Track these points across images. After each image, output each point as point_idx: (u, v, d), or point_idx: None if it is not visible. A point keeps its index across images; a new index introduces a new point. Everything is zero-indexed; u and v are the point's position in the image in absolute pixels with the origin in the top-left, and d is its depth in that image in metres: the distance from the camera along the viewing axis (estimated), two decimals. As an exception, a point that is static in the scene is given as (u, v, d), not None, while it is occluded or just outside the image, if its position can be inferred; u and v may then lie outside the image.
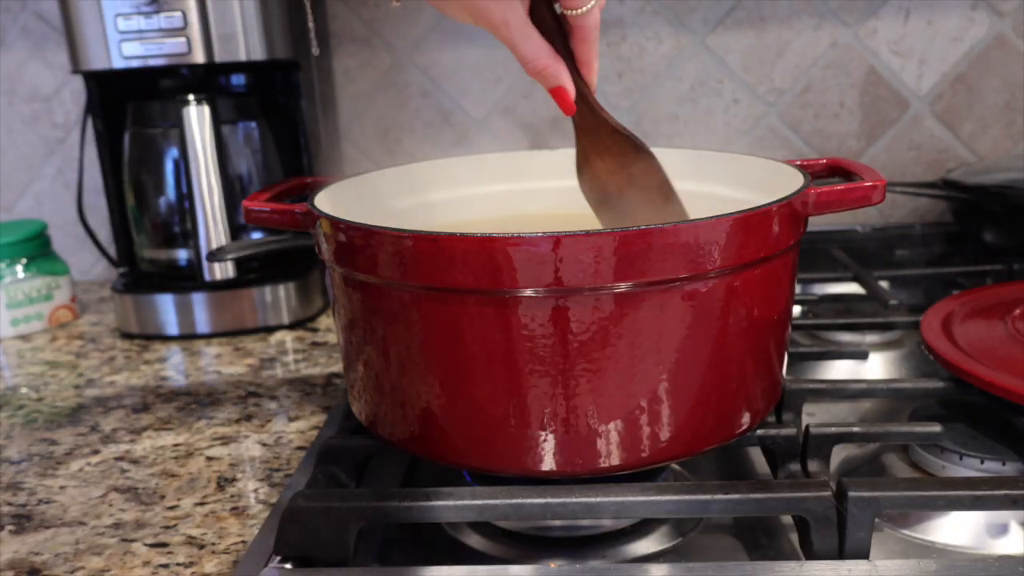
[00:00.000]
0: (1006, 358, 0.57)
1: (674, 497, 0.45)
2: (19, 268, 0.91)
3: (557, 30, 0.52)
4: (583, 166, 0.57)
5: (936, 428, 0.52)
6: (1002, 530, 0.49)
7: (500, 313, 0.45)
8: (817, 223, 0.70)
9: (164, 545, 0.51)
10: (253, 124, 0.88)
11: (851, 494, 0.44)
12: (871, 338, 0.77)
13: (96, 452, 0.64)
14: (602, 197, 0.57)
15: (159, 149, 0.87)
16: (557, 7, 0.52)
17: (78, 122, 1.05)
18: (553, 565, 0.44)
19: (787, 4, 0.99)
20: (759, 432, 0.53)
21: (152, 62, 0.82)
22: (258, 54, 0.83)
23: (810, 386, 0.58)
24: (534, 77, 0.52)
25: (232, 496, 0.57)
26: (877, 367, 0.73)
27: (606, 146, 0.55)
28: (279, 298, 0.88)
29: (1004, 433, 0.55)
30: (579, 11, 0.52)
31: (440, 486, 0.47)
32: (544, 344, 0.45)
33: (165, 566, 0.49)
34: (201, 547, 0.51)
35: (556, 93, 0.52)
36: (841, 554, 0.44)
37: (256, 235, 0.88)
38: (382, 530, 0.52)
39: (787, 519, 0.50)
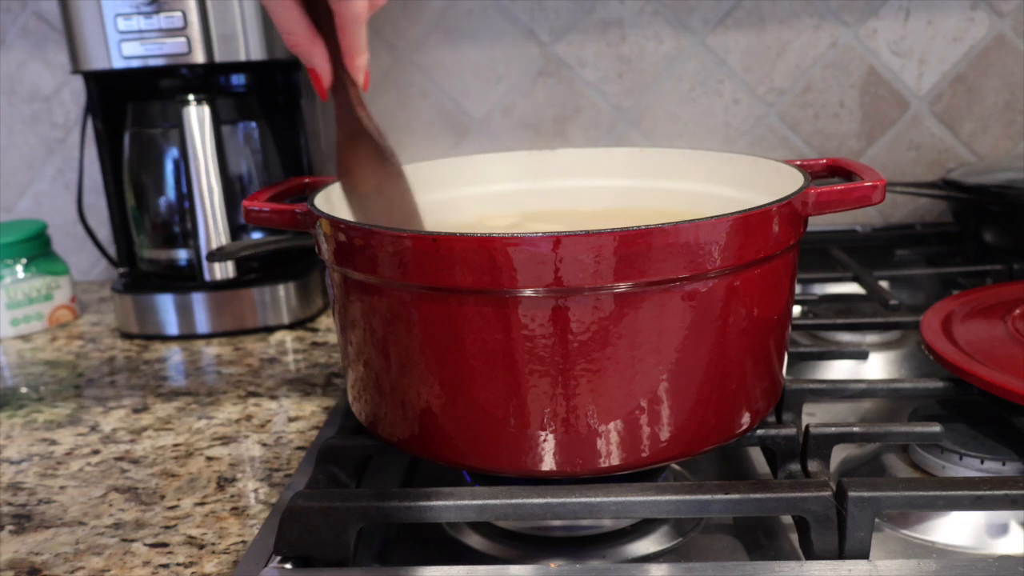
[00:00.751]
0: (1006, 358, 0.57)
1: (674, 497, 0.45)
2: (19, 268, 0.91)
3: (326, 13, 0.51)
4: (340, 155, 0.56)
5: (936, 428, 0.52)
6: (1002, 530, 0.49)
7: (500, 313, 0.45)
8: (817, 223, 0.71)
9: (164, 545, 0.51)
10: (253, 124, 0.88)
11: (851, 494, 0.44)
12: (871, 338, 0.77)
13: (96, 452, 0.64)
14: (353, 191, 0.57)
15: (159, 149, 0.87)
16: None
17: (78, 122, 1.05)
18: (553, 565, 0.44)
19: (787, 4, 0.99)
20: (759, 432, 0.53)
21: (152, 62, 0.82)
22: (258, 54, 0.83)
23: (810, 386, 0.58)
24: (291, 51, 0.52)
25: (232, 496, 0.57)
26: (877, 367, 0.73)
27: (358, 143, 0.55)
28: (279, 298, 0.88)
29: (1004, 433, 0.55)
30: None
31: (440, 486, 0.47)
32: (544, 344, 0.45)
33: (165, 566, 0.49)
34: (201, 547, 0.51)
35: (311, 75, 0.53)
36: (841, 554, 0.44)
37: (256, 235, 0.88)
38: (382, 530, 0.52)
39: (787, 519, 0.50)
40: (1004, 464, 0.52)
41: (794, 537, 0.48)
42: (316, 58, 0.52)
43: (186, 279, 0.88)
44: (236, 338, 0.86)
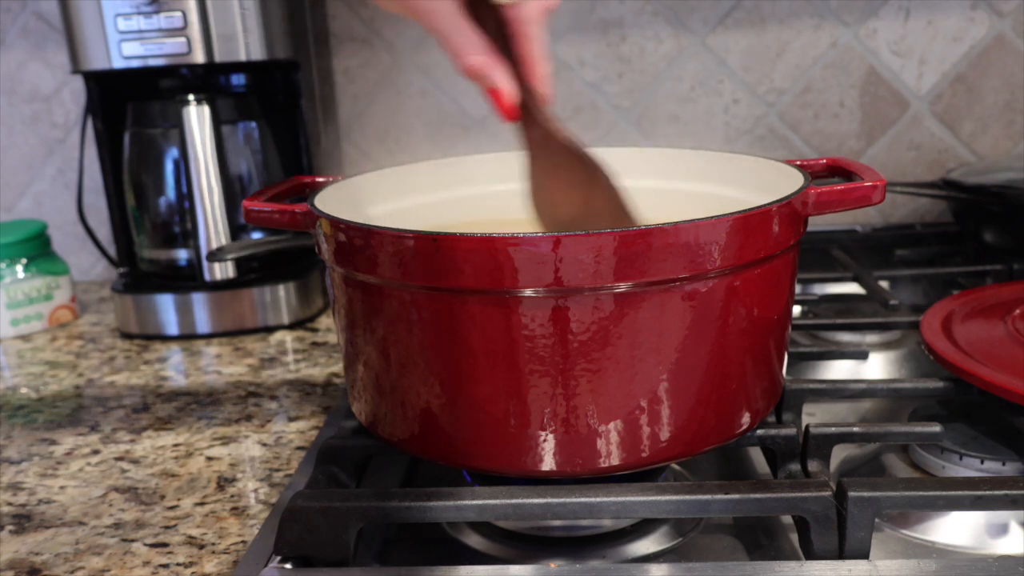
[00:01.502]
0: (1006, 358, 0.57)
1: (674, 497, 0.45)
2: (19, 268, 0.91)
3: (496, 27, 0.46)
4: (533, 185, 0.50)
5: (936, 428, 0.52)
6: (1002, 530, 0.49)
7: (500, 313, 0.45)
8: (817, 223, 0.71)
9: (164, 545, 0.51)
10: (253, 124, 0.88)
11: (851, 494, 0.44)
12: (871, 338, 0.77)
13: (96, 452, 0.64)
14: (553, 221, 0.51)
15: (159, 149, 0.87)
16: None
17: (78, 122, 1.05)
18: (553, 565, 0.44)
19: (787, 4, 0.99)
20: (759, 432, 0.53)
21: (152, 62, 0.82)
22: (258, 54, 0.83)
23: (810, 386, 0.58)
24: (467, 76, 0.45)
25: (232, 496, 0.57)
26: (877, 367, 0.73)
27: (555, 163, 0.49)
28: (279, 298, 0.88)
29: (1004, 433, 0.55)
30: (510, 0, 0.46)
31: (440, 486, 0.47)
32: (544, 344, 0.45)
33: (165, 566, 0.49)
34: (201, 547, 0.51)
35: (491, 95, 0.46)
36: (841, 554, 0.44)
37: (256, 235, 0.88)
38: (382, 530, 0.52)
39: (787, 519, 0.50)
40: (1004, 464, 0.52)
41: (794, 537, 0.48)
42: (498, 76, 0.45)
43: (186, 279, 0.88)
44: (236, 338, 0.86)
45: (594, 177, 0.49)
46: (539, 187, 0.50)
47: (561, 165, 0.49)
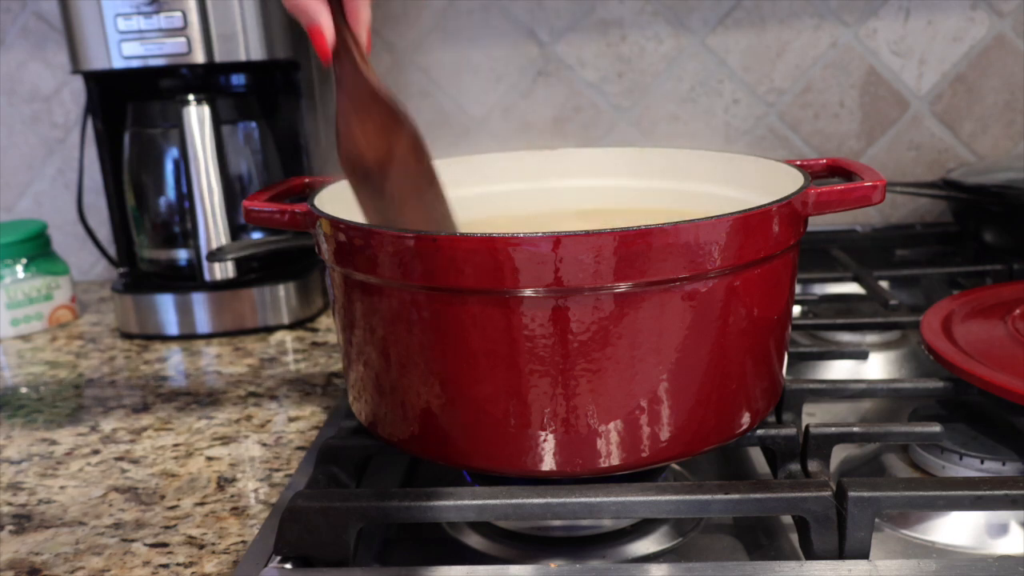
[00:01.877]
0: (1006, 358, 0.57)
1: (674, 497, 0.45)
2: (19, 268, 0.91)
3: None
4: (342, 132, 0.51)
5: (936, 428, 0.52)
6: (1002, 530, 0.49)
7: (500, 313, 0.45)
8: (817, 223, 0.71)
9: (164, 545, 0.51)
10: (253, 124, 0.88)
11: (851, 494, 0.44)
12: (871, 338, 0.76)
13: (96, 452, 0.64)
14: (361, 171, 0.52)
15: (159, 149, 0.87)
16: None
17: (78, 122, 1.05)
18: (553, 565, 0.44)
19: (787, 4, 0.99)
20: (759, 432, 0.53)
21: (152, 62, 0.82)
22: (258, 54, 0.83)
23: (810, 386, 0.58)
24: (291, 12, 0.47)
25: (232, 496, 0.57)
26: (877, 367, 0.73)
27: (366, 110, 0.50)
28: (279, 298, 0.88)
29: (1004, 433, 0.55)
30: None
31: (440, 486, 0.47)
32: (544, 344, 0.45)
33: (165, 566, 0.49)
34: (201, 547, 0.51)
35: (312, 33, 0.48)
36: (841, 554, 0.44)
37: (256, 235, 0.88)
38: (382, 530, 0.52)
39: (787, 519, 0.50)
40: (1004, 464, 0.52)
41: (794, 537, 0.48)
42: (322, 17, 0.47)
43: (186, 279, 0.88)
44: (236, 338, 0.86)
45: (400, 124, 0.51)
46: (347, 129, 0.50)
47: (371, 110, 0.50)
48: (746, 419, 0.50)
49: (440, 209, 0.53)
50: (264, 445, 0.64)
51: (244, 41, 0.82)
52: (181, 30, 0.81)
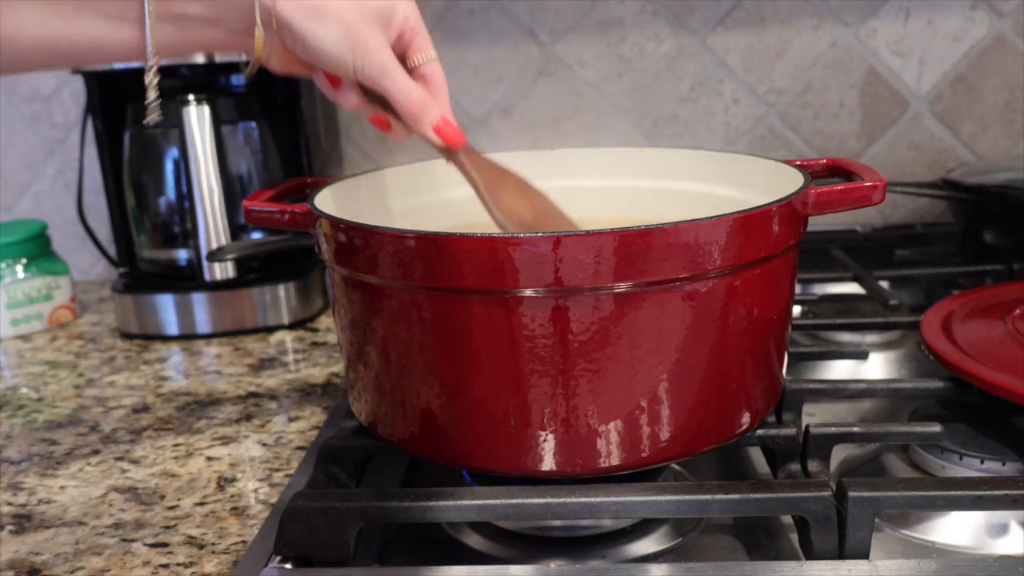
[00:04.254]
0: (1006, 358, 0.57)
1: (674, 497, 0.45)
2: (19, 268, 0.91)
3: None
4: (495, 202, 0.54)
5: (936, 428, 0.52)
6: (1002, 530, 0.49)
7: (500, 313, 0.45)
8: (817, 223, 0.70)
9: (164, 545, 0.51)
10: (253, 124, 0.88)
11: (851, 494, 0.44)
12: (871, 338, 0.77)
13: (96, 452, 0.64)
14: (521, 223, 0.55)
15: (159, 149, 0.87)
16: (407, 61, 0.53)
17: (78, 122, 1.05)
18: (553, 565, 0.44)
19: (787, 4, 0.99)
20: (759, 432, 0.53)
21: (152, 62, 0.82)
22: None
23: (810, 386, 0.58)
24: (415, 119, 0.52)
25: (232, 496, 0.57)
26: (877, 367, 0.73)
27: (498, 178, 0.55)
28: (279, 298, 0.88)
29: (1004, 433, 0.55)
30: (430, 55, 0.53)
31: (440, 486, 0.47)
32: (544, 344, 0.45)
33: (165, 566, 0.49)
34: (201, 547, 0.51)
35: (443, 126, 0.52)
36: (841, 554, 0.44)
37: (256, 235, 0.88)
38: (382, 530, 0.52)
39: (787, 519, 0.50)
40: (1004, 464, 0.52)
41: (794, 537, 0.48)
42: (444, 109, 0.53)
43: (186, 279, 0.88)
44: (236, 338, 0.86)
45: (526, 184, 0.56)
46: (499, 203, 0.54)
47: (502, 179, 0.55)
48: (746, 419, 0.50)
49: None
50: (264, 445, 0.64)
51: (244, 41, 0.82)
52: (181, 30, 0.81)
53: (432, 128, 0.52)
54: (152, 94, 0.50)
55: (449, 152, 0.54)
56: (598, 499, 0.45)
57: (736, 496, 0.45)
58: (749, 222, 0.45)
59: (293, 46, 0.50)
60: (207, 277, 0.86)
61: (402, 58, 0.53)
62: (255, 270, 0.89)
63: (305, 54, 0.50)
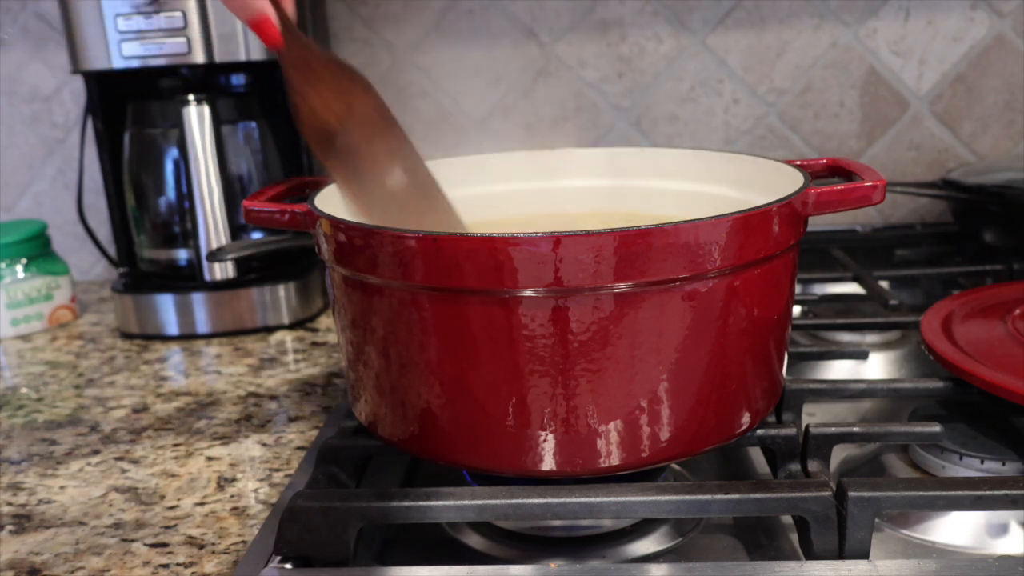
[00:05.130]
0: (1006, 358, 0.57)
1: (674, 497, 0.45)
2: (19, 268, 0.91)
3: None
4: (300, 107, 0.51)
5: (936, 428, 0.52)
6: (1002, 530, 0.49)
7: (500, 313, 0.45)
8: (817, 223, 0.71)
9: (164, 545, 0.51)
10: (253, 124, 0.88)
11: (851, 494, 0.44)
12: (871, 338, 0.76)
13: (96, 452, 0.64)
14: (325, 137, 0.52)
15: (159, 149, 0.87)
16: None
17: (78, 122, 1.05)
18: (553, 565, 0.44)
19: (787, 4, 0.99)
20: (759, 432, 0.53)
21: (152, 62, 0.82)
22: (258, 54, 0.83)
23: (810, 386, 0.58)
24: (231, 7, 0.48)
25: (232, 496, 0.57)
26: (877, 367, 0.73)
27: (319, 77, 0.51)
28: (279, 298, 0.88)
29: (1004, 433, 0.55)
30: None
31: (440, 486, 0.47)
32: (544, 344, 0.45)
33: (165, 566, 0.49)
34: (201, 547, 0.51)
35: (260, 23, 0.49)
36: (841, 554, 0.44)
37: (256, 235, 0.88)
38: (382, 530, 0.52)
39: (787, 519, 0.50)
40: (1004, 464, 0.52)
41: (794, 537, 0.48)
42: (264, 3, 0.49)
43: (186, 279, 0.88)
44: (236, 338, 0.86)
45: (353, 81, 0.52)
46: (302, 100, 0.51)
47: (321, 74, 0.51)
48: (746, 419, 0.50)
49: (420, 169, 0.53)
50: (264, 445, 0.64)
51: (244, 41, 0.82)
52: (181, 30, 0.81)
53: (255, 23, 0.49)
54: None
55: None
56: (598, 499, 0.45)
57: (736, 496, 0.45)
58: (749, 222, 0.45)
59: None
60: (207, 277, 0.86)
61: None
62: (255, 270, 0.89)
63: None
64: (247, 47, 0.82)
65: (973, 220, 0.90)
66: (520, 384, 0.46)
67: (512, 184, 0.67)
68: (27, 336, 0.91)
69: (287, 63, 0.51)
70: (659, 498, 0.45)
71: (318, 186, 0.58)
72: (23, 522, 0.55)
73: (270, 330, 0.88)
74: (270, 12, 0.49)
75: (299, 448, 0.63)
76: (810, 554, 0.45)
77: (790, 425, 0.54)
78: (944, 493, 0.44)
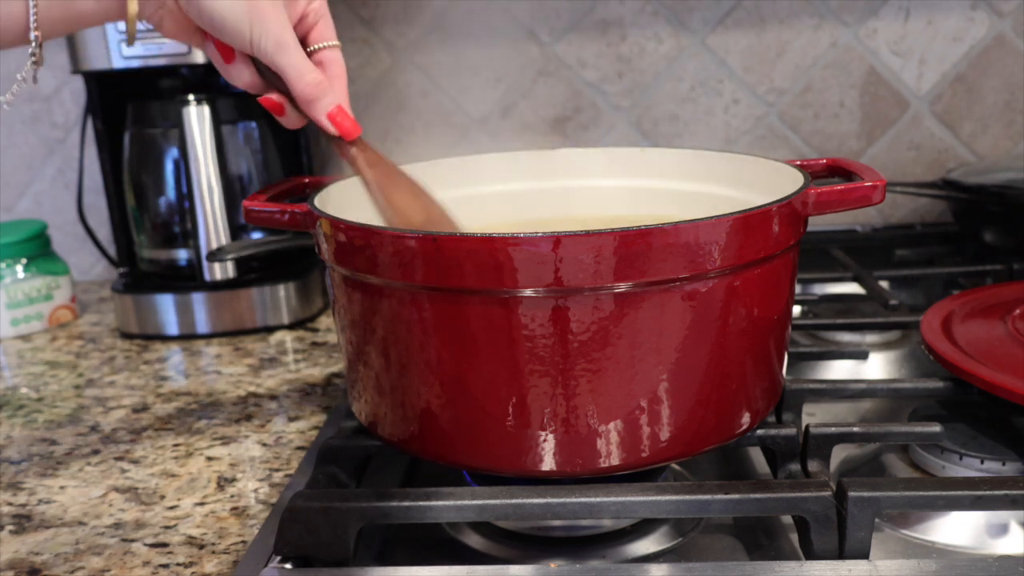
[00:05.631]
0: (1006, 358, 0.57)
1: (674, 497, 0.45)
2: (19, 268, 0.91)
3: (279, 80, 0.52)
4: (387, 200, 0.52)
5: (936, 428, 0.52)
6: (1002, 530, 0.49)
7: (500, 313, 0.45)
8: (817, 223, 0.71)
9: (164, 545, 0.51)
10: (253, 124, 0.88)
11: (851, 494, 0.44)
12: (871, 338, 0.76)
13: (96, 452, 0.64)
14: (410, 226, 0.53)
15: (159, 149, 0.87)
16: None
17: (78, 122, 1.05)
18: (553, 565, 0.44)
19: (787, 4, 0.99)
20: (759, 432, 0.53)
21: (152, 62, 0.82)
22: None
23: (810, 386, 0.58)
24: (309, 103, 0.50)
25: (232, 496, 0.57)
26: (877, 367, 0.73)
27: (392, 176, 0.53)
28: (279, 298, 0.88)
29: (1004, 433, 0.55)
30: (332, 42, 0.52)
31: (440, 486, 0.47)
32: (544, 344, 0.45)
33: (165, 566, 0.49)
34: (201, 547, 0.51)
35: (337, 114, 0.51)
36: (841, 554, 0.44)
37: (256, 235, 0.88)
38: (382, 530, 0.52)
39: (787, 519, 0.50)
40: (1004, 464, 0.52)
41: (794, 537, 0.48)
42: (341, 96, 0.52)
43: (186, 279, 0.88)
44: (236, 338, 0.86)
45: (419, 187, 0.54)
46: (391, 202, 0.52)
47: (394, 176, 0.54)
48: (746, 419, 0.50)
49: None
50: (264, 445, 0.64)
51: (244, 41, 0.82)
52: (181, 30, 0.81)
53: (326, 115, 0.51)
54: (29, 69, 0.48)
55: (343, 144, 0.52)
56: (598, 499, 0.45)
57: (736, 496, 0.45)
58: (749, 222, 0.45)
59: (187, 8, 0.48)
60: (207, 277, 0.86)
61: (303, 41, 0.52)
62: (255, 270, 0.89)
63: (199, 19, 0.49)
64: (247, 47, 0.82)
65: (973, 220, 0.90)
66: (520, 384, 0.46)
67: (512, 184, 0.67)
68: (27, 336, 0.91)
69: (361, 163, 0.53)
70: (659, 498, 0.45)
71: (318, 186, 0.58)
72: (23, 522, 0.55)
73: (270, 330, 0.88)
74: (346, 104, 0.52)
75: (299, 448, 0.63)
76: (810, 554, 0.45)
77: (790, 425, 0.54)
78: (944, 493, 0.44)
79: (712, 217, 0.44)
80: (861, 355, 0.68)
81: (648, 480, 0.52)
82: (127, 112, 0.88)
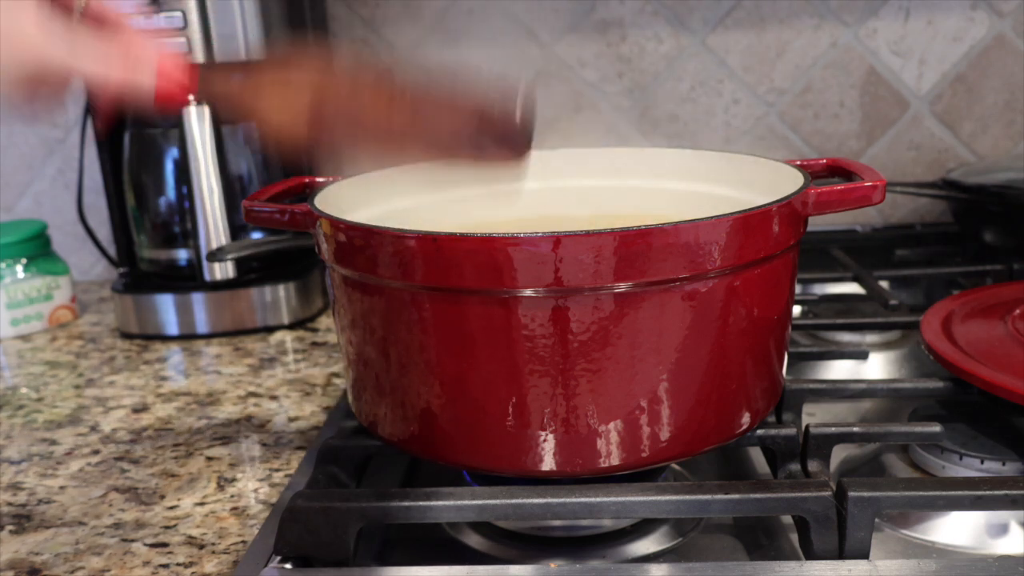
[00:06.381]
0: (1006, 358, 0.57)
1: (674, 497, 0.45)
2: (19, 268, 0.91)
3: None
4: (263, 128, 0.45)
5: (936, 428, 0.52)
6: (1002, 530, 0.49)
7: (500, 313, 0.45)
8: (817, 223, 0.70)
9: (164, 545, 0.51)
10: (253, 124, 0.88)
11: (851, 494, 0.44)
12: (871, 338, 0.76)
13: (96, 452, 0.64)
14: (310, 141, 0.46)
15: (159, 149, 0.87)
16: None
17: (78, 122, 1.05)
18: (553, 565, 0.44)
19: (787, 4, 0.99)
20: (759, 432, 0.52)
21: (152, 62, 0.82)
22: (258, 54, 0.83)
23: (810, 386, 0.58)
24: (133, 78, 0.43)
25: (232, 496, 0.57)
26: (877, 367, 0.73)
27: (260, 92, 0.45)
28: (279, 298, 0.88)
29: (1004, 433, 0.55)
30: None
31: (440, 486, 0.47)
32: (544, 344, 0.45)
33: (165, 566, 0.49)
34: (201, 547, 0.51)
35: (167, 63, 0.43)
36: (841, 554, 0.44)
37: (256, 235, 0.88)
38: (382, 530, 0.52)
39: (787, 519, 0.50)
40: (1004, 464, 0.52)
41: (794, 537, 0.48)
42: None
43: (186, 279, 0.88)
44: (236, 338, 0.86)
45: (302, 71, 0.46)
46: (260, 119, 0.45)
47: (263, 86, 0.46)
48: (746, 419, 0.50)
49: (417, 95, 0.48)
50: (264, 445, 0.64)
51: (244, 41, 0.82)
52: (181, 30, 0.81)
53: (154, 75, 0.43)
54: None
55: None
56: (598, 499, 0.45)
57: (736, 496, 0.45)
58: (749, 222, 0.45)
59: None
60: (207, 277, 0.86)
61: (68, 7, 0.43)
62: (255, 270, 0.89)
63: None
64: (247, 47, 0.82)
65: (973, 220, 0.90)
66: (520, 384, 0.46)
67: (511, 184, 0.67)
68: (27, 336, 0.91)
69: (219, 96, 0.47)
70: (659, 498, 0.45)
71: (318, 186, 0.58)
72: (23, 522, 0.55)
73: (270, 330, 0.88)
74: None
75: (299, 448, 0.63)
76: (810, 554, 0.45)
77: (790, 425, 0.54)
78: (944, 493, 0.44)
79: (712, 217, 0.44)
80: (861, 355, 0.68)
81: (648, 480, 0.52)
82: (127, 112, 0.88)
